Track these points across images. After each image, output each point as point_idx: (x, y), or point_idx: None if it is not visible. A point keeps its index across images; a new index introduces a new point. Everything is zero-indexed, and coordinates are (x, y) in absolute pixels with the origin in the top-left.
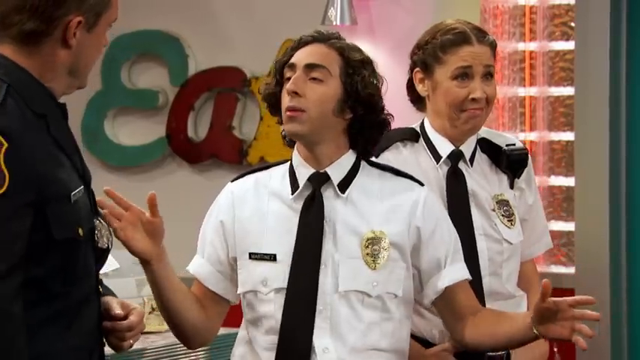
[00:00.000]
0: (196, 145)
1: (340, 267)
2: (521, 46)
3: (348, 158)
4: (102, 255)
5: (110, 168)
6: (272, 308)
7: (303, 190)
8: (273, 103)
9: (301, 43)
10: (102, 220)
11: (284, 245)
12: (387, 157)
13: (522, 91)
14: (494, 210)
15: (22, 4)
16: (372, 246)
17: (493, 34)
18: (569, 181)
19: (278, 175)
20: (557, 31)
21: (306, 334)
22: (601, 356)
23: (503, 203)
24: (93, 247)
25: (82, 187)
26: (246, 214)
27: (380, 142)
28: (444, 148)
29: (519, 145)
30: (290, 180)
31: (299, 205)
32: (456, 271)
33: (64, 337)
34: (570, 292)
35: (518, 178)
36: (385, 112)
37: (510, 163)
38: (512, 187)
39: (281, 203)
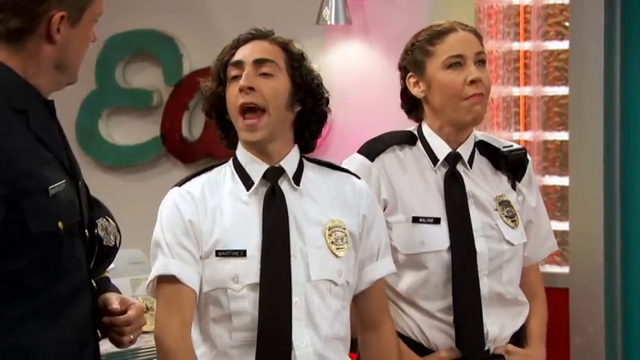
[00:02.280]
0: (191, 144)
1: (309, 257)
2: (515, 45)
3: (296, 153)
4: (109, 252)
5: (104, 168)
6: (246, 304)
7: (259, 186)
8: (216, 104)
9: (241, 42)
10: (109, 219)
11: (250, 241)
12: (382, 160)
13: (517, 91)
14: (496, 210)
15: (4, 2)
16: (334, 234)
17: (487, 34)
18: (563, 181)
19: (227, 175)
20: (552, 31)
21: (285, 327)
22: (595, 355)
23: (505, 204)
24: (84, 241)
25: (64, 180)
26: (208, 213)
27: (375, 144)
28: (441, 150)
29: (517, 146)
30: (240, 178)
31: (255, 201)
32: (387, 264)
33: (48, 331)
34: (565, 292)
35: (519, 181)
36: (326, 104)
37: (508, 163)
38: (514, 188)
39: (236, 201)
